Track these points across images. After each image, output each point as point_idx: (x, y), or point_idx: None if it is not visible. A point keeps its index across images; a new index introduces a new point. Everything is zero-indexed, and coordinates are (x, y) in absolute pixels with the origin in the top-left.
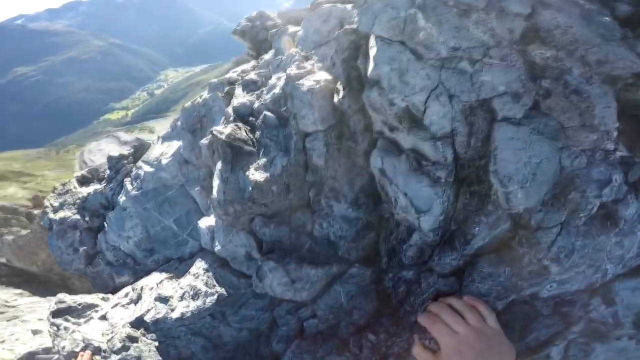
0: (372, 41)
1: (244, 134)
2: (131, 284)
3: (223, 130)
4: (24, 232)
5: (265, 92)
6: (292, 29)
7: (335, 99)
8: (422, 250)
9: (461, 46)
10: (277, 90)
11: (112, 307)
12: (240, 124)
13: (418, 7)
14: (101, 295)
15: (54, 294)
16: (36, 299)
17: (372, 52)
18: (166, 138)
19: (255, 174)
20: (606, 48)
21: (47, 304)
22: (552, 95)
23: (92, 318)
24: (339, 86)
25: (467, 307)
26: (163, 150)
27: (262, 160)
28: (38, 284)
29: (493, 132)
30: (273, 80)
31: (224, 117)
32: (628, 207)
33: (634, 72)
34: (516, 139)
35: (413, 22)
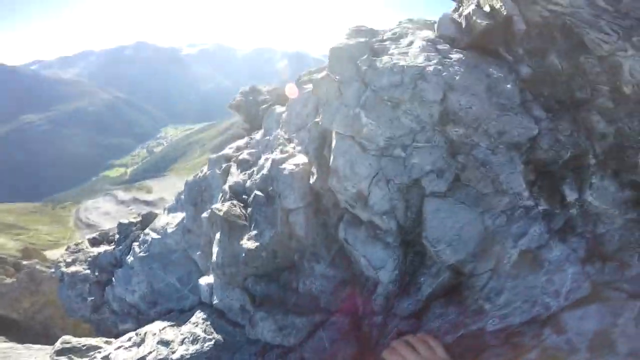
0: (333, 134)
1: (238, 210)
2: (134, 330)
3: (221, 207)
4: (9, 280)
5: (255, 172)
6: (278, 109)
7: (311, 181)
8: (387, 299)
9: (395, 135)
10: (265, 171)
11: (115, 349)
12: (235, 202)
13: (361, 106)
14: (104, 339)
15: (34, 342)
16: (12, 344)
17: (333, 144)
18: (171, 210)
19: (248, 243)
20: (504, 119)
21: (25, 351)
22: (467, 168)
23: (95, 358)
24: (314, 169)
25: (419, 341)
26: (169, 221)
27: (253, 232)
28: (17, 331)
29: (424, 205)
30: (262, 160)
31: (221, 194)
32: (552, 251)
33: (528, 137)
34: (442, 210)
35: (358, 119)
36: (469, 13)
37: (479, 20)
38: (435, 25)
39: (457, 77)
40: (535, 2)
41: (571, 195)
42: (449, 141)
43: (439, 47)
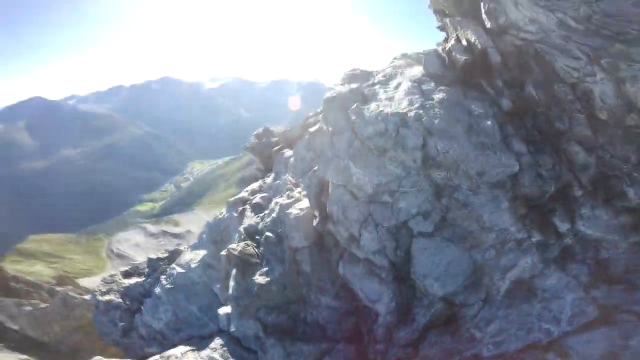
0: (329, 183)
1: (252, 249)
2: (159, 354)
3: (236, 247)
4: (43, 305)
5: (266, 215)
6: (287, 152)
7: (314, 223)
8: (387, 328)
9: (382, 182)
10: (274, 215)
11: None
12: (249, 242)
13: (350, 156)
14: None
15: None
16: None
17: (329, 191)
18: (194, 247)
19: (260, 279)
20: (482, 159)
21: None
22: (451, 209)
23: None
24: (316, 213)
25: None
26: (192, 257)
27: (265, 269)
28: (46, 354)
29: (412, 245)
30: (272, 204)
31: (237, 235)
32: (547, 279)
33: (509, 174)
34: (429, 248)
35: (348, 169)
36: (450, 48)
37: (458, 56)
38: (423, 62)
39: (437, 121)
40: (505, 32)
41: (563, 226)
42: (434, 184)
43: (424, 87)
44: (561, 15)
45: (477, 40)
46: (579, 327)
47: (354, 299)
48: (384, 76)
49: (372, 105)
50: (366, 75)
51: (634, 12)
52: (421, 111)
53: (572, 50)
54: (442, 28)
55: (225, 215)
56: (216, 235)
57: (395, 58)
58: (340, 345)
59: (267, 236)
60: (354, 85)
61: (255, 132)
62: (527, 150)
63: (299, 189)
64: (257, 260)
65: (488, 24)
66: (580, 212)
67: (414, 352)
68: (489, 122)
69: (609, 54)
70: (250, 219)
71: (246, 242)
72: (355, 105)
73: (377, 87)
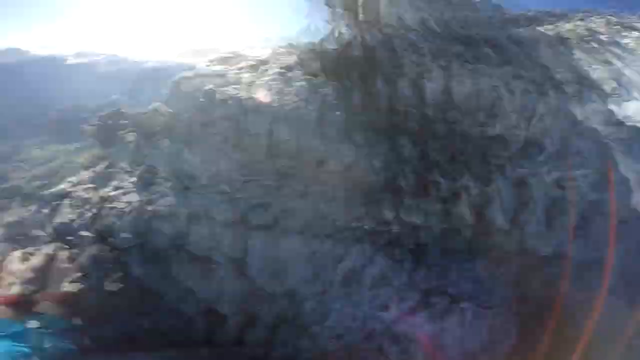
0: (161, 172)
1: (67, 253)
2: None
3: (40, 251)
4: None
5: (87, 210)
6: (129, 137)
7: (144, 218)
8: (236, 329)
9: (221, 169)
10: (95, 210)
11: None
12: (59, 244)
13: (186, 143)
14: None
15: None
16: None
17: (160, 182)
18: None
19: (70, 286)
20: (324, 148)
21: None
22: (291, 200)
23: None
24: (147, 207)
25: None
26: None
27: (78, 274)
28: None
29: (249, 239)
30: (96, 198)
31: (45, 235)
32: (376, 266)
33: (346, 164)
34: (267, 242)
35: (181, 156)
36: (322, 39)
37: (329, 46)
38: (298, 51)
39: (288, 108)
40: (374, 26)
41: (389, 214)
42: (277, 173)
43: (289, 75)
44: (425, 15)
45: (346, 33)
46: (405, 313)
47: (196, 301)
48: (256, 61)
49: (230, 89)
50: (239, 59)
51: (480, 17)
52: (276, 97)
53: (423, 48)
54: (329, 21)
55: (33, 211)
56: (16, 236)
57: (280, 47)
58: (189, 351)
59: (84, 236)
60: (219, 67)
61: (101, 113)
62: (365, 142)
63: (133, 179)
64: (68, 265)
65: (361, 17)
66: (403, 199)
67: (266, 351)
68: (337, 113)
69: (449, 54)
70: (64, 216)
71: (56, 244)
72: (209, 87)
73: (243, 71)
